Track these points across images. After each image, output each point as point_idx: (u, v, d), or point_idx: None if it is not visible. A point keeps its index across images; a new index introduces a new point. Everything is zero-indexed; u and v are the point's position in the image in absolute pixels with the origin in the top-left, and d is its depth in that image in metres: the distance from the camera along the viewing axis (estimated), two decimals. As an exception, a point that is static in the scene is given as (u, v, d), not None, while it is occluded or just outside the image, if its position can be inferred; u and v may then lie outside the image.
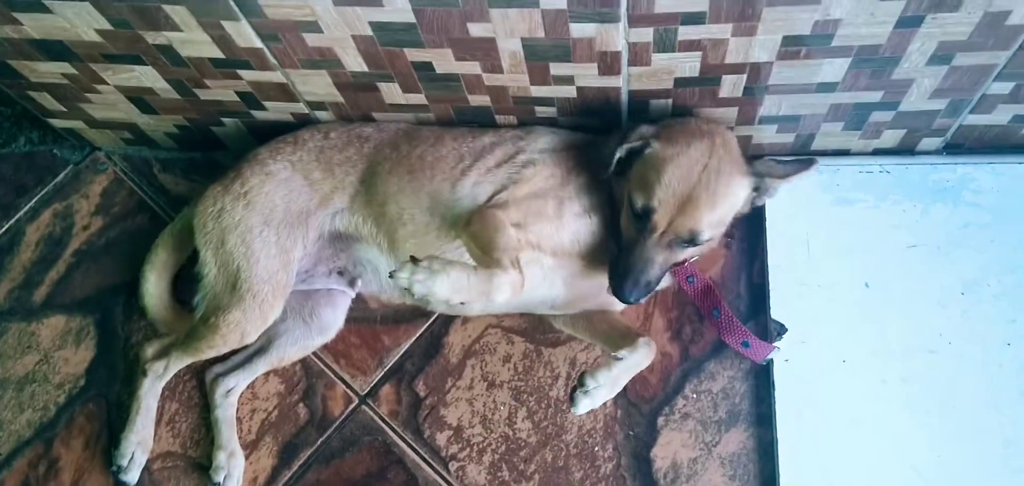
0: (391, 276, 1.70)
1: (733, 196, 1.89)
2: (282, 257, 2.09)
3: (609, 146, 1.94)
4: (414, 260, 1.69)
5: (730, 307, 2.17)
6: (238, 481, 2.22)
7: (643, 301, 2.03)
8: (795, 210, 2.22)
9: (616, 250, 1.97)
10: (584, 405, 1.87)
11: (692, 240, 1.88)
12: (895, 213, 2.21)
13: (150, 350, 2.25)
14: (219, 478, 2.20)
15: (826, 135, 2.18)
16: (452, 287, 1.70)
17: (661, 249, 1.90)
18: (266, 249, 2.07)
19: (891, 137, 2.19)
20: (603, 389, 1.89)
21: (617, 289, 1.92)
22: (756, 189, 1.94)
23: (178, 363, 2.23)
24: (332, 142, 2.16)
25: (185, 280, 2.32)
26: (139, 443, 2.22)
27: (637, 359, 1.97)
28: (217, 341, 2.11)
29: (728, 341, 2.16)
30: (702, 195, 1.85)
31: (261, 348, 2.27)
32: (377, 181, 2.10)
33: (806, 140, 2.21)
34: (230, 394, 2.26)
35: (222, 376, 2.28)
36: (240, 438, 2.27)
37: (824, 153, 2.27)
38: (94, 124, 2.41)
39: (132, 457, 2.21)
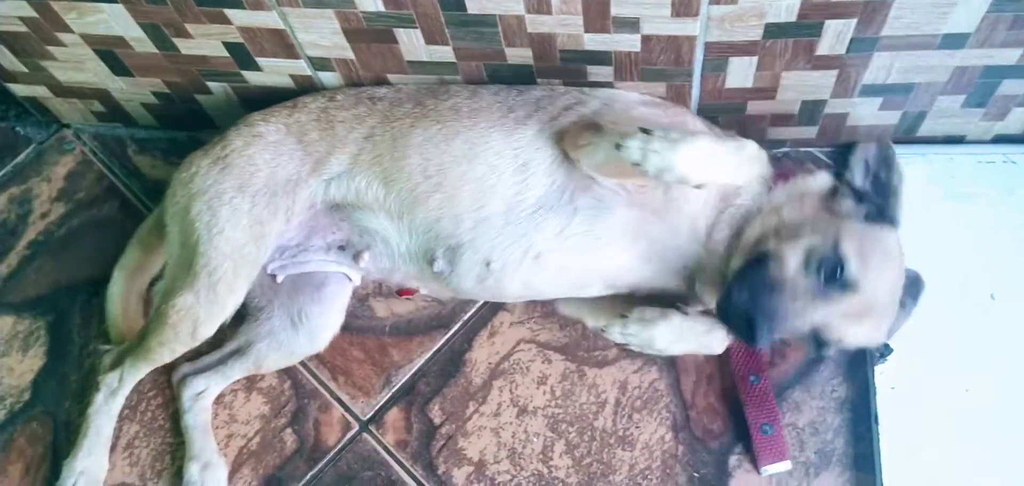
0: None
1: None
2: (254, 229, 1.69)
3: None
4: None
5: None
6: None
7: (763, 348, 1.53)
8: (899, 205, 1.82)
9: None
10: (615, 333, 1.61)
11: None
12: (1025, 211, 1.81)
13: (107, 359, 1.84)
14: None
15: (940, 115, 1.80)
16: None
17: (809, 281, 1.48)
18: (234, 219, 1.68)
19: (1018, 119, 1.80)
20: (645, 331, 1.59)
21: (747, 311, 1.46)
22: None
23: (133, 373, 1.81)
24: (338, 103, 1.79)
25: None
26: (83, 472, 1.79)
27: (704, 329, 1.62)
28: (166, 335, 1.71)
29: (748, 417, 1.77)
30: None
31: (239, 349, 1.87)
32: (392, 135, 1.72)
33: (914, 121, 1.83)
34: (201, 397, 1.86)
35: (191, 376, 1.87)
36: (215, 462, 1.85)
37: (933, 140, 1.88)
38: (60, 90, 2.05)
39: None
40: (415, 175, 1.69)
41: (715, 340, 1.64)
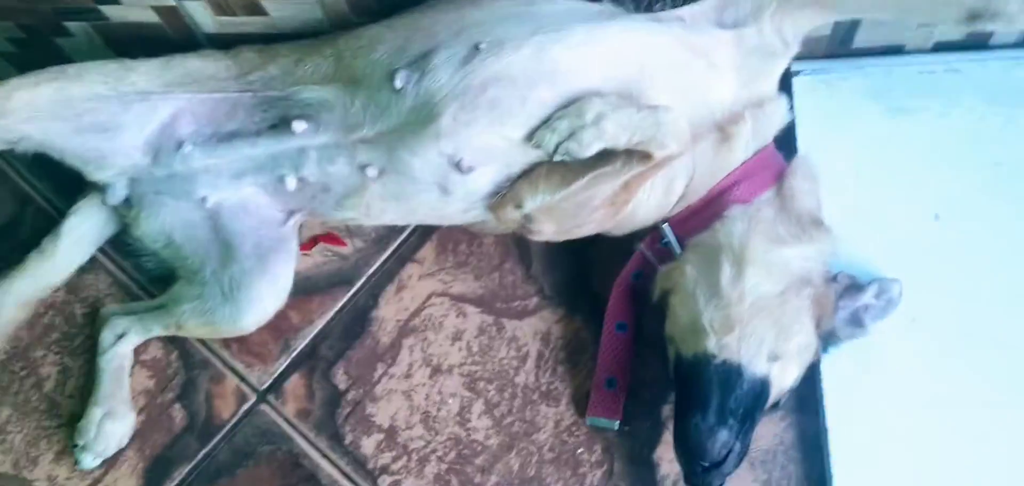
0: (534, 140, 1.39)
1: None
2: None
3: None
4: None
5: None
6: (109, 452, 1.68)
7: None
8: (834, 123, 1.68)
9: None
10: (545, 135, 1.39)
11: None
12: (970, 123, 1.67)
13: None
14: (79, 440, 1.66)
15: (875, 23, 1.65)
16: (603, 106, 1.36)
17: None
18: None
19: (959, 24, 1.67)
20: (575, 108, 1.37)
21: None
22: None
23: None
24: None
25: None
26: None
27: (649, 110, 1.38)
28: None
29: (598, 361, 1.64)
30: None
31: (164, 304, 1.70)
32: (353, 33, 1.58)
33: (847, 31, 1.67)
34: (120, 341, 1.70)
35: (116, 316, 1.72)
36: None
37: (870, 52, 1.74)
38: (-96, 43, 1.82)
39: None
40: (378, 30, 1.55)
41: (667, 131, 1.36)
